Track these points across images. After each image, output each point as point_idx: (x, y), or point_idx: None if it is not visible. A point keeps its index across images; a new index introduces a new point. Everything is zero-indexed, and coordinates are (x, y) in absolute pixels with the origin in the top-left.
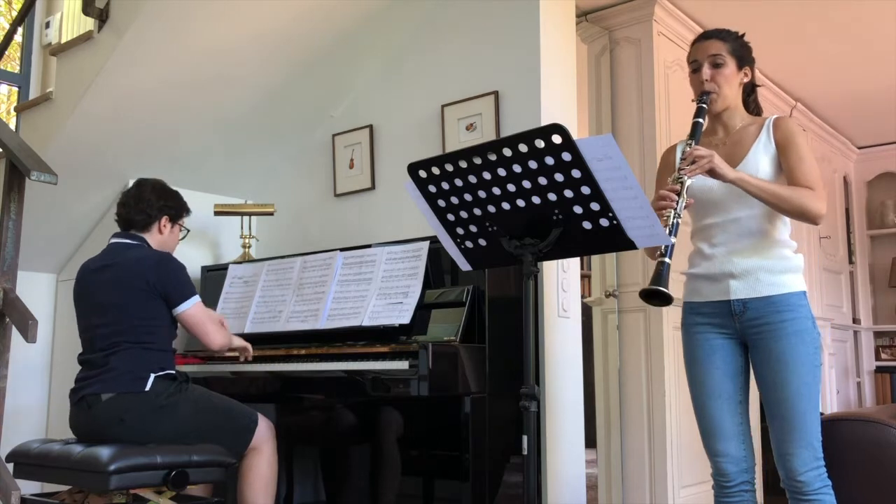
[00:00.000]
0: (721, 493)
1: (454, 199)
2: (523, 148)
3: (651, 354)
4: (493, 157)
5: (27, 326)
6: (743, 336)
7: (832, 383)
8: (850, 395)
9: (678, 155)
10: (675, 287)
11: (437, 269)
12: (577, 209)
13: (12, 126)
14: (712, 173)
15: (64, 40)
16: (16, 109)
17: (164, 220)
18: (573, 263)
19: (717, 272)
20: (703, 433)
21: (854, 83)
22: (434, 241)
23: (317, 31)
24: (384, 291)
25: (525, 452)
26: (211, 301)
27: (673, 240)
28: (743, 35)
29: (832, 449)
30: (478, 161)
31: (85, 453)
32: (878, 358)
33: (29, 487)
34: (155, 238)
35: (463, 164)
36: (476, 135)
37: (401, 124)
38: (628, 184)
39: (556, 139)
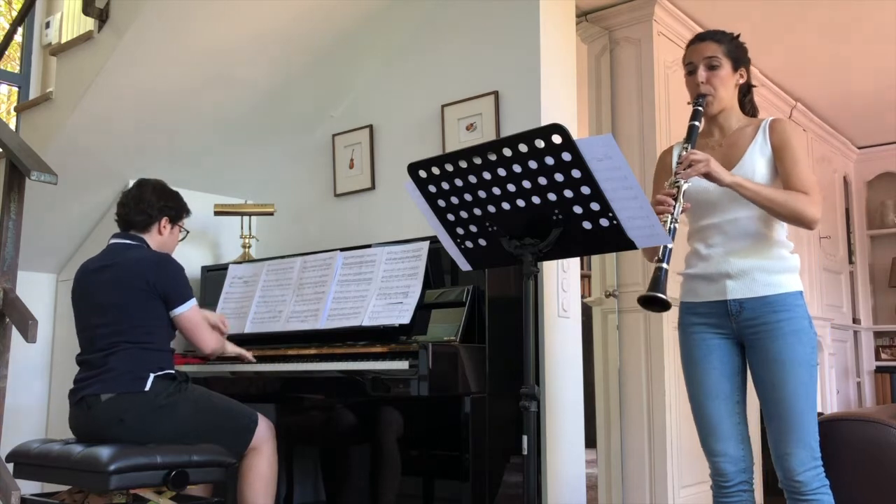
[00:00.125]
0: (719, 493)
1: (454, 199)
2: (523, 148)
3: (651, 354)
4: (493, 157)
5: (27, 326)
6: (739, 336)
7: (832, 383)
8: (850, 395)
9: (675, 157)
10: (673, 288)
11: (437, 269)
12: (577, 209)
13: (12, 126)
14: (708, 177)
15: (64, 40)
16: (16, 109)
17: (164, 221)
18: (573, 263)
19: (714, 272)
20: (701, 433)
21: (854, 83)
22: (434, 241)
23: (317, 31)
24: (384, 291)
25: (525, 452)
26: (211, 301)
27: (670, 245)
28: (738, 36)
29: (832, 449)
30: (478, 161)
31: (85, 453)
32: (878, 358)
33: (29, 487)
34: (155, 239)
35: (463, 164)
36: (476, 135)
37: (401, 124)
38: (628, 184)
39: (556, 139)
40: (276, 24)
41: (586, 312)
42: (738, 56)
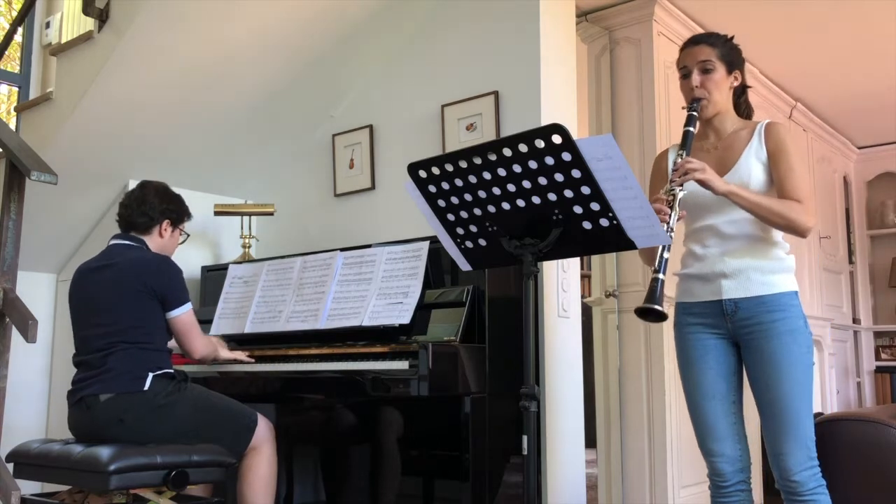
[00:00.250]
0: (717, 492)
1: (454, 199)
2: (523, 148)
3: (651, 354)
4: (493, 157)
5: (27, 326)
6: (735, 336)
7: (832, 383)
8: (850, 395)
9: (670, 162)
10: (669, 288)
11: (437, 269)
12: (577, 209)
13: (12, 126)
14: (703, 185)
15: (64, 40)
16: (16, 109)
17: (165, 223)
18: (573, 263)
19: (710, 272)
20: (698, 433)
21: (854, 83)
22: (434, 241)
23: (317, 31)
24: (384, 291)
25: (525, 452)
26: (211, 301)
27: (667, 255)
28: (732, 38)
29: (832, 449)
30: (478, 161)
31: (85, 453)
32: (878, 358)
33: (29, 487)
34: (155, 241)
35: (463, 164)
36: (476, 135)
37: (401, 124)
38: (628, 184)
39: (556, 139)
40: (276, 24)
41: (586, 312)
42: (733, 59)
